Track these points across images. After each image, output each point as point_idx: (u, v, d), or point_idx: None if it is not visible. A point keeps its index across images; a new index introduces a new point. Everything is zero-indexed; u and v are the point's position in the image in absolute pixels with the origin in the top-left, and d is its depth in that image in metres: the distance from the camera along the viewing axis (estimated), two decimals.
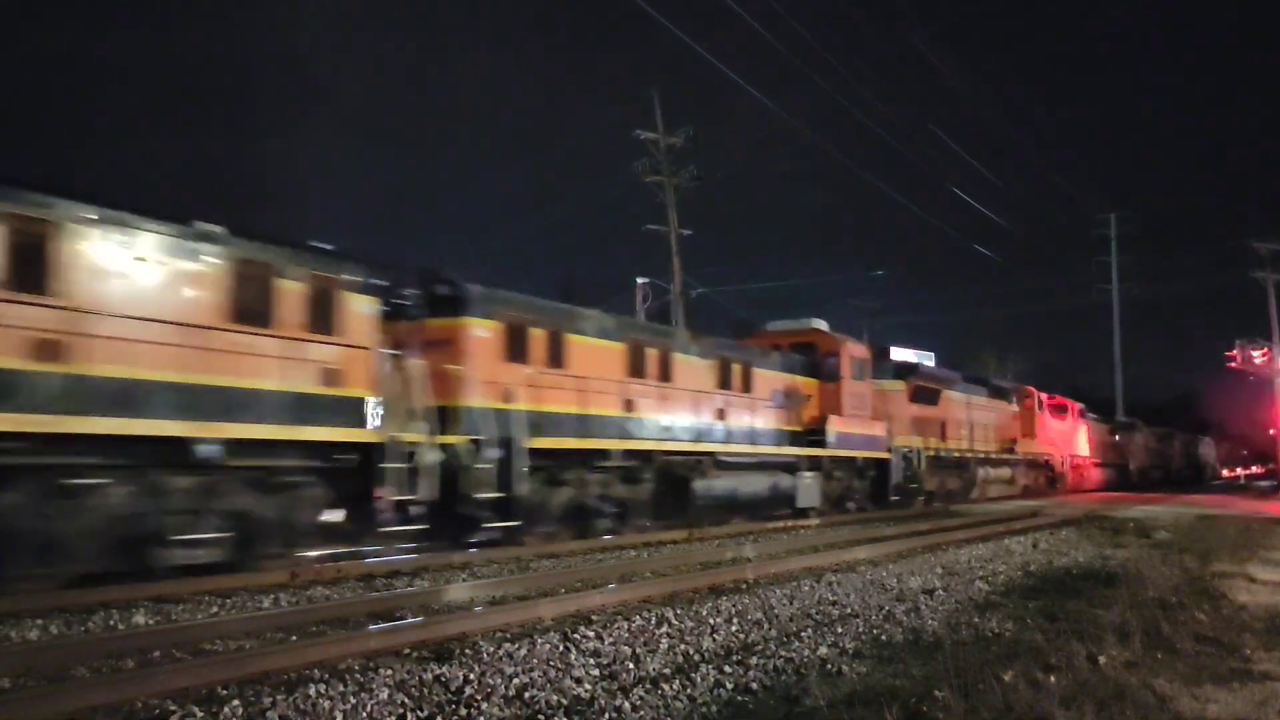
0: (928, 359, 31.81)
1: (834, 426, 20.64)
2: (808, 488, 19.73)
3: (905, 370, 26.59)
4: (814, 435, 20.29)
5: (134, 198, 9.80)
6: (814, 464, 20.09)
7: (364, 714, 4.98)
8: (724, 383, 18.02)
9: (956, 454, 28.17)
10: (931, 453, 25.97)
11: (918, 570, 11.04)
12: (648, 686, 5.70)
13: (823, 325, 22.52)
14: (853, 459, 21.64)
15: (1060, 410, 38.49)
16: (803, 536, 15.83)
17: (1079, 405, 41.02)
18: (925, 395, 26.82)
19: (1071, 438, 38.96)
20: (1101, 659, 6.19)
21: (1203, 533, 17.41)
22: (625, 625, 7.22)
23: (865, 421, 22.02)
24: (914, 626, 7.82)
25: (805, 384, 20.79)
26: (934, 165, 75.85)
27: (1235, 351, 37.60)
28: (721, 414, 17.78)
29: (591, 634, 6.84)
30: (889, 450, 22.98)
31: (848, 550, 12.74)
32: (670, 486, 16.26)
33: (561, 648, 6.43)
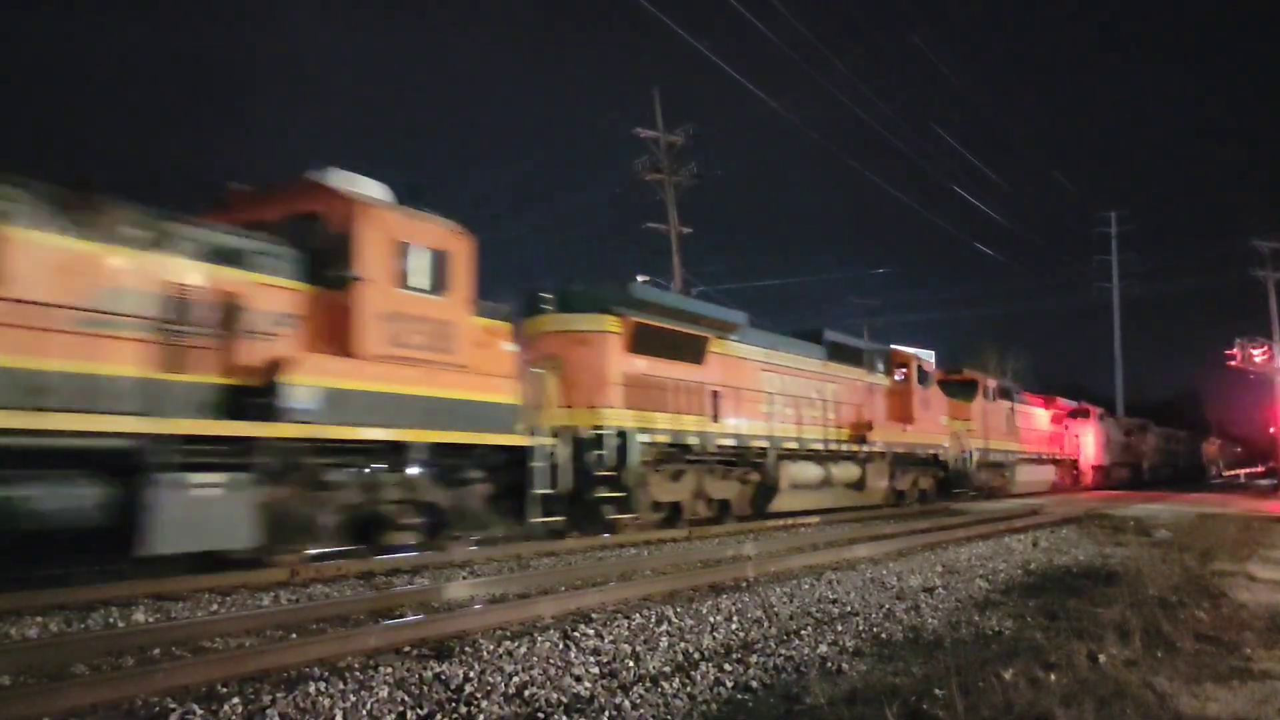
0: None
1: (313, 376, 9.73)
2: (190, 506, 8.57)
3: (615, 299, 15.48)
4: (265, 395, 9.47)
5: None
6: (242, 455, 9.14)
7: (364, 712, 4.97)
8: None
9: (731, 443, 17.20)
10: (664, 439, 15.45)
11: (918, 568, 11.04)
12: (648, 684, 5.69)
13: (371, 188, 11.13)
14: (401, 445, 10.70)
15: (964, 388, 28.30)
16: (803, 535, 15.83)
17: (998, 382, 31.19)
18: (666, 344, 15.91)
19: (984, 424, 28.91)
20: (1102, 657, 6.19)
21: (1203, 531, 17.42)
22: (625, 623, 7.21)
23: (449, 373, 11.23)
24: (914, 624, 7.81)
25: (264, 290, 9.80)
26: (935, 164, 75.88)
27: (1235, 350, 37.61)
28: None
29: (591, 632, 6.84)
30: (532, 433, 12.43)
31: (848, 548, 12.74)
32: None
33: (561, 646, 6.43)
